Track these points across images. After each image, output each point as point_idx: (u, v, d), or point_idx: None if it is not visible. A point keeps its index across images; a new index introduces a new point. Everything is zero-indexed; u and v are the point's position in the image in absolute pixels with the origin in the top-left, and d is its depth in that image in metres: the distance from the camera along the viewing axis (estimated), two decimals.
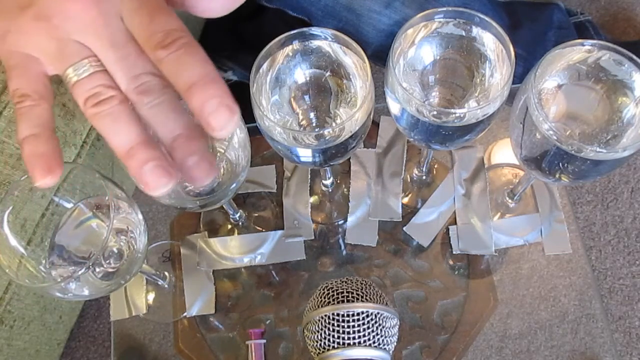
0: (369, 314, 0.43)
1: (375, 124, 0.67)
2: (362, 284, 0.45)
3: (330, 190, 0.65)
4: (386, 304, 0.45)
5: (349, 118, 0.44)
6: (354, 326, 0.43)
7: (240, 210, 0.63)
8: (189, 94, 0.32)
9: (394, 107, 0.47)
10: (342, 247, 0.63)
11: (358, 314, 0.43)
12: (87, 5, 0.34)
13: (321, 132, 0.47)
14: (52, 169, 0.35)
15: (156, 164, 0.33)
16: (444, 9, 0.46)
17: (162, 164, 0.33)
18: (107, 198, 0.43)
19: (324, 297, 0.44)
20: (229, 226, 0.64)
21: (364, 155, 0.66)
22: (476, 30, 0.47)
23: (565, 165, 0.44)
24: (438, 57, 0.49)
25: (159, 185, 0.33)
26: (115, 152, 0.34)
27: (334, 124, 0.50)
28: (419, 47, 0.49)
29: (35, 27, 0.35)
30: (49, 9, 0.34)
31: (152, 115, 0.34)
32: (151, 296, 0.62)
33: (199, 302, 0.60)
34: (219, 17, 0.40)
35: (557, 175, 0.46)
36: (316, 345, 0.44)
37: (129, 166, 0.33)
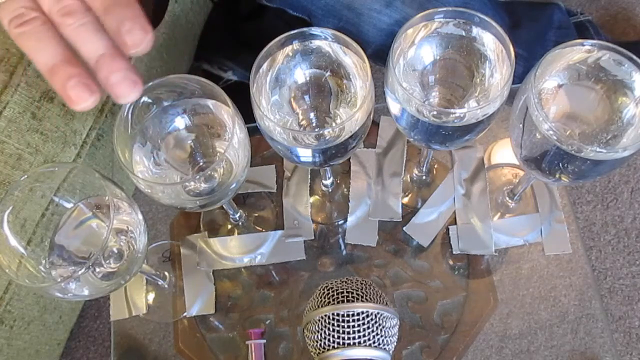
0: (369, 314, 0.43)
1: (375, 124, 0.67)
2: (362, 284, 0.45)
3: (330, 190, 0.65)
4: (386, 304, 0.45)
5: (349, 118, 0.44)
6: (354, 326, 0.43)
7: (240, 210, 0.63)
8: (105, 16, 0.35)
9: (394, 107, 0.47)
10: (342, 247, 0.63)
11: (358, 314, 0.43)
12: None
13: (321, 132, 0.47)
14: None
15: (79, 80, 0.34)
16: (444, 9, 0.46)
17: (84, 80, 0.34)
18: (107, 198, 0.43)
19: (324, 297, 0.44)
20: (229, 226, 0.64)
21: (364, 155, 0.66)
22: (476, 30, 0.47)
23: (565, 165, 0.44)
24: (438, 57, 0.49)
25: (81, 100, 0.34)
26: (39, 71, 0.35)
27: (334, 124, 0.50)
28: (419, 47, 0.49)
29: None
30: None
31: (76, 35, 0.35)
32: (151, 296, 0.62)
33: (199, 302, 0.60)
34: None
35: (557, 175, 0.46)
36: (316, 345, 0.44)
37: (53, 83, 0.35)
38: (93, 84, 0.35)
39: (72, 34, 0.35)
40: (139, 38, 0.35)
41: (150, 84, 0.44)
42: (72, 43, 0.36)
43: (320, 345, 0.44)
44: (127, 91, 0.35)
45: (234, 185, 0.48)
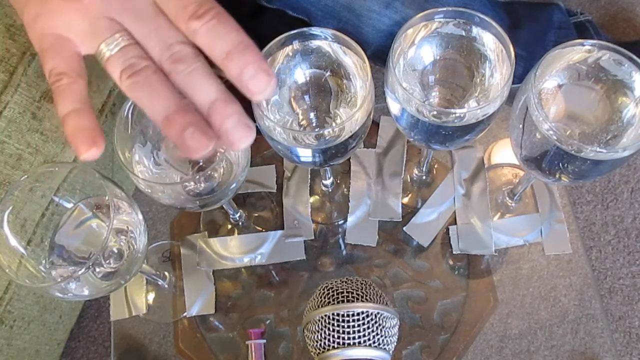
0: (369, 314, 0.43)
1: (375, 124, 0.67)
2: (362, 284, 0.45)
3: (330, 190, 0.65)
4: (386, 304, 0.45)
5: (349, 118, 0.44)
6: (354, 326, 0.43)
7: (240, 210, 0.63)
8: (227, 61, 0.34)
9: (394, 107, 0.47)
10: (342, 247, 0.63)
11: (358, 314, 0.43)
12: None
13: (321, 132, 0.47)
14: (97, 142, 0.36)
15: (196, 128, 0.34)
16: (444, 9, 0.46)
17: (201, 127, 0.34)
18: (107, 198, 0.43)
19: (324, 297, 0.44)
20: (229, 226, 0.64)
21: (364, 155, 0.66)
22: (476, 30, 0.47)
23: (565, 165, 0.44)
24: (438, 57, 0.49)
25: (200, 148, 0.34)
26: (153, 121, 0.35)
27: (334, 124, 0.50)
28: (419, 47, 0.49)
29: (66, 8, 0.36)
30: None
31: (188, 82, 0.35)
32: (151, 296, 0.62)
33: (199, 302, 0.60)
34: None
35: (557, 175, 0.46)
36: (316, 345, 0.44)
37: (168, 133, 0.34)
38: (210, 130, 0.34)
39: (184, 81, 0.35)
40: (264, 84, 0.34)
41: None
42: (183, 90, 0.35)
43: (320, 345, 0.44)
44: (241, 136, 0.34)
45: (234, 185, 0.48)
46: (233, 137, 0.34)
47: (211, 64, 0.36)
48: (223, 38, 0.34)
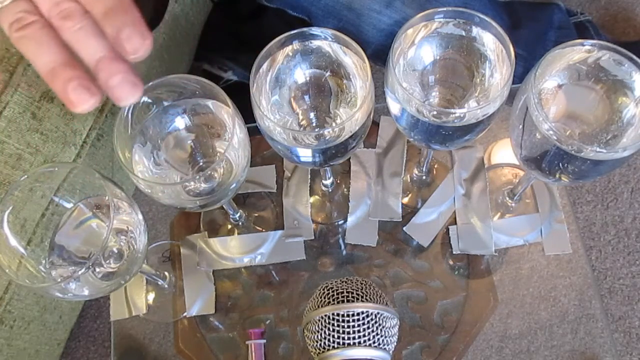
0: (369, 314, 0.43)
1: (375, 124, 0.67)
2: (362, 284, 0.45)
3: (330, 190, 0.65)
4: (386, 304, 0.45)
5: (349, 118, 0.44)
6: (354, 326, 0.43)
7: (240, 210, 0.63)
8: (104, 22, 0.35)
9: (394, 107, 0.47)
10: (342, 247, 0.63)
11: (358, 314, 0.43)
12: None
13: (321, 132, 0.47)
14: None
15: (79, 83, 0.34)
16: (444, 9, 0.46)
17: (84, 82, 0.35)
18: (107, 198, 0.43)
19: (324, 297, 0.44)
20: (229, 226, 0.64)
21: (364, 155, 0.66)
22: (476, 30, 0.47)
23: (565, 165, 0.44)
24: (438, 57, 0.49)
25: (81, 102, 0.35)
26: (40, 74, 0.36)
27: (334, 124, 0.50)
28: (419, 47, 0.49)
29: None
30: None
31: (75, 38, 0.35)
32: (151, 296, 0.62)
33: (199, 302, 0.60)
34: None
35: (557, 175, 0.46)
36: (316, 345, 0.44)
37: (53, 86, 0.35)
38: (93, 86, 0.35)
39: (72, 37, 0.35)
40: (138, 44, 0.35)
41: (150, 84, 0.44)
42: (71, 46, 0.36)
43: (320, 345, 0.44)
44: (127, 93, 0.35)
45: (234, 185, 0.48)
46: (119, 94, 0.35)
47: None
48: None
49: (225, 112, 0.48)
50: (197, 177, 0.48)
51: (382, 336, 0.43)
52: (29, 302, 0.79)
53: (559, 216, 0.61)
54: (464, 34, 0.47)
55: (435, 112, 0.45)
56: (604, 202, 1.13)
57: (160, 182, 0.49)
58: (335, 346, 0.43)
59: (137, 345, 0.60)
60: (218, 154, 0.50)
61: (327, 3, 0.74)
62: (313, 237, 0.62)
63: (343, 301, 0.44)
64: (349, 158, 0.65)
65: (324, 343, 0.43)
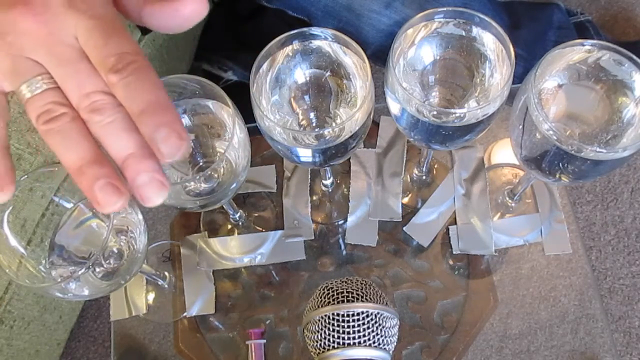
0: (369, 314, 0.43)
1: (375, 124, 0.67)
2: (362, 284, 0.45)
3: (330, 190, 0.65)
4: (386, 304, 0.45)
5: (349, 118, 0.44)
6: (354, 326, 0.43)
7: (240, 210, 0.63)
8: (140, 120, 0.33)
9: (394, 107, 0.47)
10: (342, 247, 0.63)
11: (358, 314, 0.43)
12: (40, 22, 0.34)
13: (321, 132, 0.47)
14: (4, 188, 0.35)
15: (106, 182, 0.33)
16: (444, 9, 0.46)
17: (112, 182, 0.33)
18: None
19: (324, 297, 0.44)
20: (229, 226, 0.64)
21: (364, 155, 0.66)
22: (476, 30, 0.47)
23: (565, 165, 0.44)
24: (438, 57, 0.49)
25: (109, 203, 0.33)
26: (67, 170, 0.34)
27: (334, 124, 0.50)
28: (419, 47, 0.49)
29: None
30: (1, 26, 0.34)
31: (103, 133, 0.34)
32: (151, 296, 0.62)
33: (199, 302, 0.60)
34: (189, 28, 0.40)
35: (557, 175, 0.46)
36: (316, 345, 0.44)
37: (79, 184, 0.33)
38: (122, 185, 0.33)
39: (100, 131, 0.34)
40: (176, 147, 0.33)
41: None
42: (100, 141, 0.34)
43: (320, 345, 0.44)
44: (153, 194, 0.33)
45: (234, 185, 0.48)
46: (145, 194, 0.33)
47: None
48: (139, 95, 0.33)
49: (226, 112, 0.48)
50: (197, 177, 0.48)
51: (382, 336, 0.43)
52: (29, 302, 0.79)
53: (559, 216, 0.61)
54: (464, 34, 0.47)
55: (435, 112, 0.45)
56: (604, 202, 1.13)
57: None
58: (335, 346, 0.43)
59: (137, 345, 0.60)
60: (218, 154, 0.50)
61: (326, 4, 0.74)
62: (313, 237, 0.62)
63: (343, 301, 0.44)
64: (349, 158, 0.65)
65: (324, 343, 0.43)
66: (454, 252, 0.61)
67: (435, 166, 0.65)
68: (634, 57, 0.44)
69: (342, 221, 0.63)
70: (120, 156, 0.33)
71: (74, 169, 0.33)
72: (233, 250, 0.62)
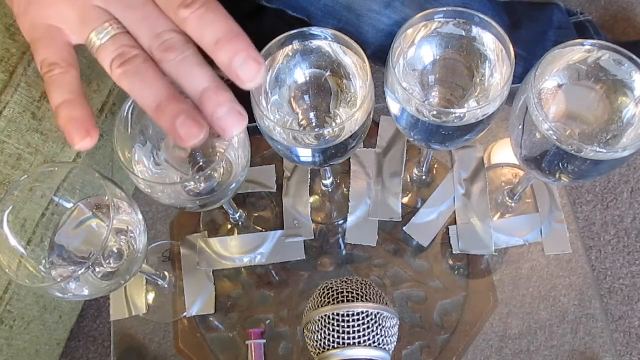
0: (369, 314, 0.43)
1: (375, 124, 0.67)
2: (362, 284, 0.45)
3: (330, 190, 0.65)
4: (386, 304, 0.45)
5: (349, 118, 0.44)
6: (354, 326, 0.43)
7: (240, 210, 0.63)
8: (216, 50, 0.33)
9: (394, 107, 0.47)
10: (342, 247, 0.63)
11: (358, 314, 0.43)
12: None
13: (321, 132, 0.47)
14: (90, 132, 0.36)
15: (187, 117, 0.33)
16: (444, 9, 0.46)
17: (192, 115, 0.33)
18: (107, 198, 0.43)
19: (324, 297, 0.44)
20: (229, 226, 0.64)
21: (364, 155, 0.66)
22: (476, 30, 0.47)
23: (565, 165, 0.44)
24: (438, 57, 0.49)
25: (191, 137, 0.33)
26: (145, 110, 0.34)
27: (334, 124, 0.50)
28: (419, 47, 0.49)
29: None
30: None
31: (178, 71, 0.34)
32: (151, 296, 0.62)
33: (199, 302, 0.60)
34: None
35: (557, 175, 0.46)
36: (316, 345, 0.44)
37: (160, 122, 0.34)
38: (201, 119, 0.34)
39: (174, 69, 0.34)
40: (254, 71, 0.34)
41: None
42: (174, 78, 0.35)
43: (320, 345, 0.44)
44: (234, 124, 0.34)
45: (234, 185, 0.48)
46: (225, 125, 0.34)
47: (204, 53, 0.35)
48: (212, 26, 0.34)
49: None
50: (197, 177, 0.48)
51: (382, 336, 0.43)
52: (29, 302, 0.79)
53: (559, 216, 0.61)
54: (464, 34, 0.47)
55: (435, 112, 0.45)
56: (604, 202, 1.13)
57: (160, 182, 0.49)
58: (335, 346, 0.43)
59: (137, 345, 0.60)
60: (218, 154, 0.50)
61: (326, 4, 0.74)
62: (313, 237, 0.62)
63: (343, 301, 0.44)
64: (349, 158, 0.65)
65: (324, 343, 0.43)
66: (454, 252, 0.61)
67: (435, 166, 0.65)
68: (634, 57, 0.44)
69: (342, 221, 0.63)
70: (197, 91, 0.34)
71: (153, 109, 0.34)
72: (233, 250, 0.62)
